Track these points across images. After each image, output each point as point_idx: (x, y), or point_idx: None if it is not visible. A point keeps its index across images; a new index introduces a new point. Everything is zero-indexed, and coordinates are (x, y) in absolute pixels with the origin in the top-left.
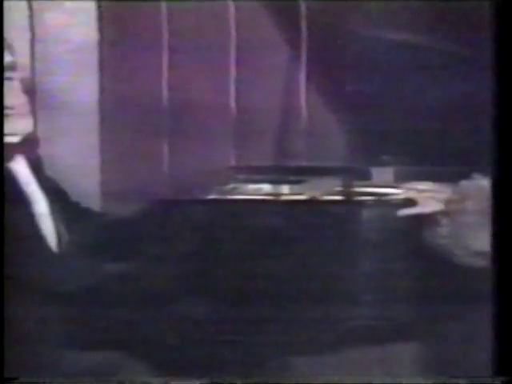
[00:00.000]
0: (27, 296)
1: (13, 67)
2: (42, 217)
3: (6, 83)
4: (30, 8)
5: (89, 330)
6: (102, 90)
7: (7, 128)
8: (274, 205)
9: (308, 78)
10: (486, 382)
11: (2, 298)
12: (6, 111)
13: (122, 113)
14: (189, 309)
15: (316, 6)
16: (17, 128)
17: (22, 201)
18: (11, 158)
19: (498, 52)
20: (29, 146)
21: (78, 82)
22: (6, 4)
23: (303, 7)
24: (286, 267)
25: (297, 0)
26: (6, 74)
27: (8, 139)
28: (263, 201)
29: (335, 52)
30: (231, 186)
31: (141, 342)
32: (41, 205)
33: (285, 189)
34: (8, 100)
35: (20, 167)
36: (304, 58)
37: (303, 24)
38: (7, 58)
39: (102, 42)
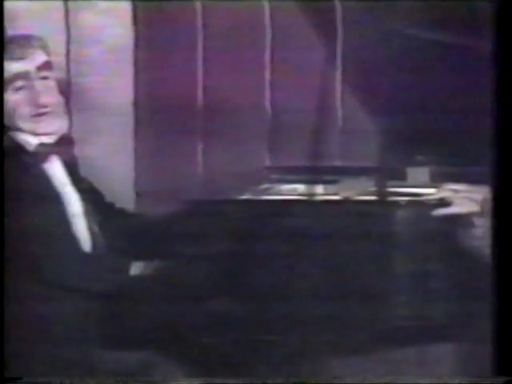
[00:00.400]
0: (60, 295)
1: (48, 67)
2: (75, 217)
3: (42, 82)
4: (66, 8)
5: (122, 329)
6: (137, 90)
7: (42, 127)
8: (308, 205)
9: (343, 78)
10: (486, 382)
11: (2, 298)
12: (41, 110)
13: (157, 113)
14: (222, 308)
15: (351, 5)
16: (52, 128)
17: (57, 201)
18: (46, 158)
19: (498, 52)
20: (64, 146)
21: (113, 83)
22: (42, 4)
23: (338, 6)
24: (320, 267)
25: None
26: (42, 74)
27: (43, 139)
28: (297, 201)
29: (370, 51)
30: (265, 186)
31: (174, 341)
32: (75, 205)
33: (319, 189)
34: (43, 99)
35: (55, 167)
36: (339, 57)
37: (338, 23)
38: (42, 58)
39: (137, 43)
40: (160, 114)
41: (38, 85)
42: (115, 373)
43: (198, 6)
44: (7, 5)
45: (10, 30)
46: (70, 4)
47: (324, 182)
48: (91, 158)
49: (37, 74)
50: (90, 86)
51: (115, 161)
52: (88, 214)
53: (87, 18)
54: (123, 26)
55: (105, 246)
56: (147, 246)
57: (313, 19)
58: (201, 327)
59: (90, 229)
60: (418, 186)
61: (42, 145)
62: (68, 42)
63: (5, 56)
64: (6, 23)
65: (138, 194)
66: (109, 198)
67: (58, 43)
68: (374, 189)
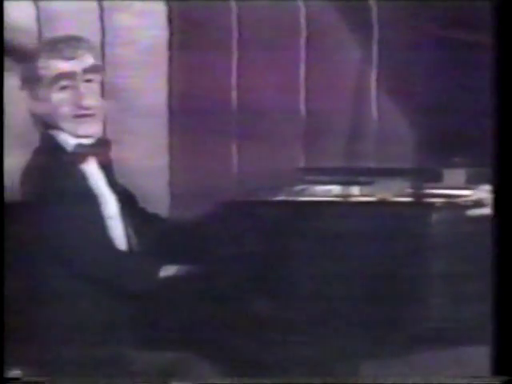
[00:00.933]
0: (93, 294)
1: (94, 70)
2: (111, 218)
3: (87, 85)
4: (101, 9)
5: (155, 329)
6: (172, 92)
7: (83, 129)
8: (343, 206)
9: (378, 79)
10: (486, 382)
11: (2, 298)
12: (83, 112)
13: (191, 114)
14: (256, 309)
15: (387, 5)
16: (92, 130)
17: (93, 202)
18: (84, 159)
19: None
20: (101, 148)
21: (148, 84)
22: (77, 4)
23: (374, 6)
24: (355, 268)
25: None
26: (88, 76)
27: (82, 140)
28: (332, 202)
29: (406, 52)
30: (300, 187)
31: (207, 342)
32: (110, 207)
33: (354, 190)
34: (87, 101)
35: (92, 169)
36: (375, 58)
37: (374, 24)
38: (90, 60)
39: (171, 44)
40: (194, 115)
41: (83, 87)
42: (147, 373)
43: (233, 6)
44: (41, 5)
45: (45, 32)
46: (105, 5)
47: (359, 184)
48: (126, 159)
49: (82, 76)
50: (124, 88)
51: (149, 162)
52: (123, 215)
53: (122, 19)
54: (158, 27)
55: (139, 246)
56: (181, 247)
57: (348, 19)
58: (235, 327)
59: (125, 230)
60: (455, 188)
61: (80, 146)
62: (103, 44)
63: (52, 54)
64: (42, 24)
65: (172, 196)
66: (143, 200)
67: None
68: (409, 190)
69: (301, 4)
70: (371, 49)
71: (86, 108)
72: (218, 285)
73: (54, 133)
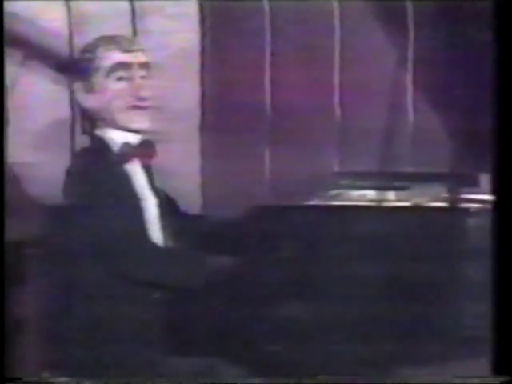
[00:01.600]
0: (132, 293)
1: (147, 67)
2: (151, 220)
3: (142, 80)
4: (133, 12)
5: (188, 332)
6: (204, 94)
7: (136, 121)
8: (378, 211)
9: (415, 80)
10: (486, 381)
11: (2, 298)
12: (139, 103)
13: (224, 117)
14: (288, 313)
15: (423, 6)
16: (144, 124)
17: (136, 204)
18: (129, 159)
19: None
20: (146, 149)
21: (180, 87)
22: (109, 7)
23: (410, 7)
24: (390, 273)
25: (404, 0)
26: (142, 72)
27: (130, 138)
28: (367, 207)
29: (442, 53)
30: (334, 192)
31: (239, 345)
32: (151, 208)
33: (390, 195)
34: (144, 93)
35: (136, 169)
36: (411, 60)
37: (410, 24)
38: (144, 58)
39: (204, 47)
40: (227, 118)
41: (139, 79)
42: (180, 375)
43: (266, 7)
44: (72, 5)
45: (76, 35)
46: (137, 8)
47: (395, 188)
48: (160, 162)
49: (138, 70)
50: (155, 91)
51: (182, 166)
52: (162, 217)
53: (154, 22)
54: (190, 30)
55: (175, 249)
56: (214, 251)
57: (384, 20)
58: (267, 331)
59: (163, 232)
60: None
61: (126, 144)
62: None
63: (111, 46)
64: (73, 27)
65: (205, 199)
66: (178, 202)
67: None
68: (446, 195)
69: (335, 3)
70: (407, 50)
71: (143, 99)
72: (250, 289)
73: (101, 131)
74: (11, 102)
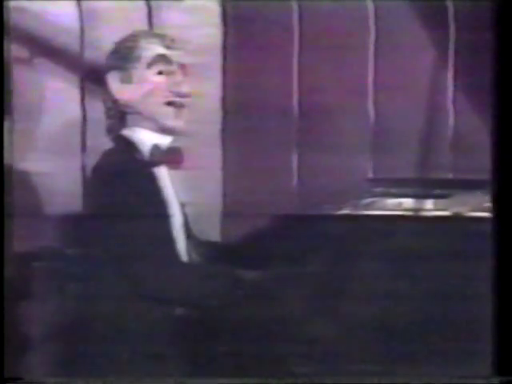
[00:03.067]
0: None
1: (185, 70)
2: (176, 228)
3: (181, 78)
4: (149, 7)
5: (209, 352)
6: (226, 95)
7: (171, 118)
8: (415, 221)
9: (455, 82)
10: (486, 381)
11: (2, 299)
12: (178, 99)
13: (247, 120)
14: (318, 333)
15: (464, 5)
16: (180, 122)
17: (162, 210)
18: (158, 164)
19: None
20: (174, 154)
21: (199, 87)
22: (122, 2)
23: (451, 7)
24: (426, 288)
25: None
26: (180, 71)
27: (160, 139)
28: (403, 216)
29: (485, 54)
30: (368, 200)
31: (268, 364)
32: (177, 217)
33: (428, 204)
34: (184, 88)
35: (163, 174)
36: (451, 60)
37: (451, 23)
38: (183, 59)
39: (226, 43)
40: (251, 120)
41: (179, 75)
42: None
43: (294, 3)
44: (84, 3)
45: (87, 31)
46: (154, 2)
47: (433, 197)
48: (184, 167)
49: (178, 68)
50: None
51: (203, 171)
52: (185, 225)
53: (171, 18)
54: (211, 25)
55: (199, 264)
56: (239, 263)
57: (422, 19)
58: (295, 353)
59: (187, 240)
60: None
61: (156, 148)
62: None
63: (153, 39)
64: (84, 23)
65: (228, 207)
66: (200, 211)
67: None
68: (488, 204)
69: (369, 3)
70: (447, 50)
71: (182, 95)
72: (277, 305)
73: (129, 131)
74: (18, 104)
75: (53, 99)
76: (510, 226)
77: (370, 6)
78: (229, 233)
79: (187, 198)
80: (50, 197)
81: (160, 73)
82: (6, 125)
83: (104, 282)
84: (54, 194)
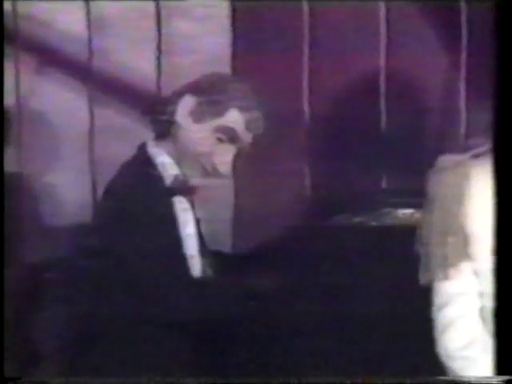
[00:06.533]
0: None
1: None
2: (189, 238)
3: None
4: (158, 15)
5: (226, 361)
6: None
7: None
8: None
9: (468, 85)
10: (486, 381)
11: (2, 299)
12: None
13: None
14: (329, 346)
15: (477, 6)
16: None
17: (176, 221)
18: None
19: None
20: (190, 188)
21: None
22: (132, 8)
23: (464, 8)
24: None
25: (457, 1)
26: None
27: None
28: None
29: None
30: (383, 210)
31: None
32: (189, 225)
33: None
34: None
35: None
36: (463, 64)
37: (463, 26)
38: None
39: (235, 53)
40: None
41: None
42: None
43: (305, 11)
44: (92, 10)
45: (95, 38)
46: (163, 10)
47: None
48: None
49: None
50: None
51: (212, 181)
52: (199, 238)
53: (181, 26)
54: (220, 33)
55: (211, 280)
56: (252, 276)
57: (434, 22)
58: (305, 366)
59: (200, 251)
60: None
61: (176, 178)
62: (159, 51)
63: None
64: (92, 30)
65: (238, 217)
66: (210, 222)
67: (147, 52)
68: None
69: (381, 4)
70: (460, 53)
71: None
72: (288, 317)
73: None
74: (26, 113)
75: (61, 107)
76: (510, 226)
77: (382, 7)
78: (241, 245)
79: (202, 214)
80: (59, 207)
81: None
82: (14, 134)
83: (114, 300)
84: (62, 204)
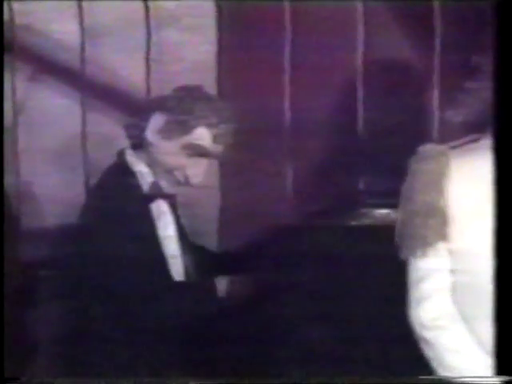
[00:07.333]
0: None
1: None
2: (168, 240)
3: None
4: (148, 24)
5: (202, 357)
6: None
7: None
8: None
9: (441, 86)
10: (486, 381)
11: (2, 299)
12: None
13: (241, 133)
14: (312, 337)
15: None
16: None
17: (154, 221)
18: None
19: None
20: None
21: None
22: (122, 17)
23: (437, 7)
24: None
25: (430, 0)
26: None
27: None
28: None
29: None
30: (361, 211)
31: (262, 369)
32: (169, 227)
33: None
34: None
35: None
36: (437, 60)
37: (437, 25)
38: None
39: (221, 60)
40: (245, 133)
41: None
42: None
43: (287, 23)
44: (85, 21)
45: (88, 47)
46: (153, 20)
47: None
48: None
49: None
50: None
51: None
52: (179, 236)
53: (169, 35)
54: (206, 42)
55: (191, 280)
56: (233, 272)
57: (410, 21)
58: (289, 358)
59: (182, 251)
60: None
61: (155, 185)
62: (148, 60)
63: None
64: (86, 40)
65: (223, 217)
66: (194, 223)
67: (138, 60)
68: None
69: (358, 3)
70: (434, 51)
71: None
72: (271, 311)
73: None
74: (22, 118)
75: (55, 114)
76: (510, 225)
77: (359, 6)
78: (226, 244)
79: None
80: (54, 208)
81: None
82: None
83: (95, 301)
84: (57, 206)
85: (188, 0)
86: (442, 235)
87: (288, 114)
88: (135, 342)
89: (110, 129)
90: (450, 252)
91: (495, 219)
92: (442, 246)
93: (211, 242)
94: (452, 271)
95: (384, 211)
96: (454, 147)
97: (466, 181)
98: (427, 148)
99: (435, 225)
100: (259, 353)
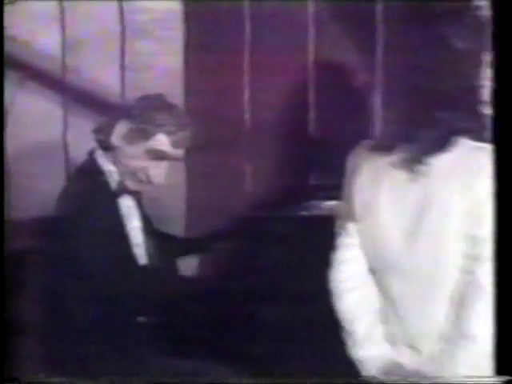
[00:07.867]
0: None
1: None
2: (133, 230)
3: None
4: (123, 36)
5: (175, 336)
6: (188, 113)
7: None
8: None
9: (384, 86)
10: (486, 381)
11: (2, 299)
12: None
13: (206, 134)
14: (267, 316)
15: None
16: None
17: (119, 214)
18: (123, 193)
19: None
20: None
21: None
22: (100, 29)
23: (380, 9)
24: None
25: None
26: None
27: None
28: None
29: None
30: (310, 203)
31: (227, 346)
32: (134, 219)
33: None
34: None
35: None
36: (380, 64)
37: (379, 26)
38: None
39: (188, 69)
40: (210, 135)
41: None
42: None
43: (247, 36)
44: (67, 32)
45: (69, 58)
46: (128, 32)
47: None
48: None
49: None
50: None
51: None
52: (144, 228)
53: (142, 45)
54: (175, 52)
55: (155, 260)
56: (196, 262)
57: (354, 22)
58: (247, 334)
59: (145, 242)
60: None
61: (121, 183)
62: (122, 68)
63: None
64: (66, 50)
65: (189, 212)
66: (161, 216)
67: (113, 69)
68: None
69: (310, 4)
70: (375, 51)
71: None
72: (230, 298)
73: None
74: (9, 120)
75: (39, 116)
76: (509, 227)
77: (310, 6)
78: (188, 234)
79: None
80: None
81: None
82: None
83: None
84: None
85: (159, 13)
86: (352, 219)
87: (247, 115)
88: (105, 324)
89: (87, 130)
90: (359, 231)
91: (495, 220)
92: (351, 227)
93: (177, 232)
94: (360, 245)
95: (331, 203)
96: (388, 146)
97: (367, 177)
98: (363, 144)
99: (347, 211)
100: (219, 332)
